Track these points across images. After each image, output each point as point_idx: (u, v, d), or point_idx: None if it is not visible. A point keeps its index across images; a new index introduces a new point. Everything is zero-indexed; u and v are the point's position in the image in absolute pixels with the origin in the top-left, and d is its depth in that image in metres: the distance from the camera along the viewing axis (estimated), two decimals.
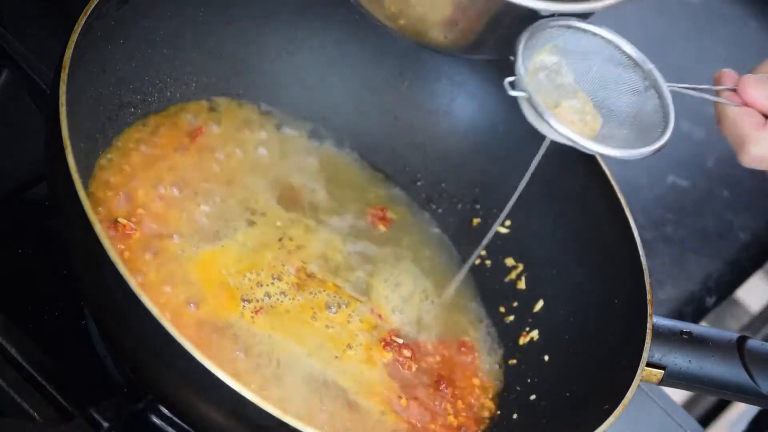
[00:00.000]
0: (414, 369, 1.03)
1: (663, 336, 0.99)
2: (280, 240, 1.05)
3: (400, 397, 1.00)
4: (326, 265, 1.06)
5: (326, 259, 1.06)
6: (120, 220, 0.97)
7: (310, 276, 1.04)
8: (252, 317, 0.98)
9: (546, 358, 1.06)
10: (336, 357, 1.00)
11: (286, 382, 0.96)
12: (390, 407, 0.99)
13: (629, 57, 0.93)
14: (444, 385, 1.03)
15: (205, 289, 0.98)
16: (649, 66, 0.93)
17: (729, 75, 0.95)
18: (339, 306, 1.04)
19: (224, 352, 0.95)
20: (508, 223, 1.13)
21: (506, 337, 1.09)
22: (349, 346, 1.01)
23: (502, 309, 1.10)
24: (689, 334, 1.00)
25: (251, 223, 1.05)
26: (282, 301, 1.01)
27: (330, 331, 1.02)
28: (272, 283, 1.02)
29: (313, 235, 1.07)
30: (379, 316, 1.05)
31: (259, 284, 1.01)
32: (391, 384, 1.01)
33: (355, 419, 0.97)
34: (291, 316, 1.01)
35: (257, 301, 1.00)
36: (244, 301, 0.99)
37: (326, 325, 1.02)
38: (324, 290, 1.04)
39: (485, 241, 1.06)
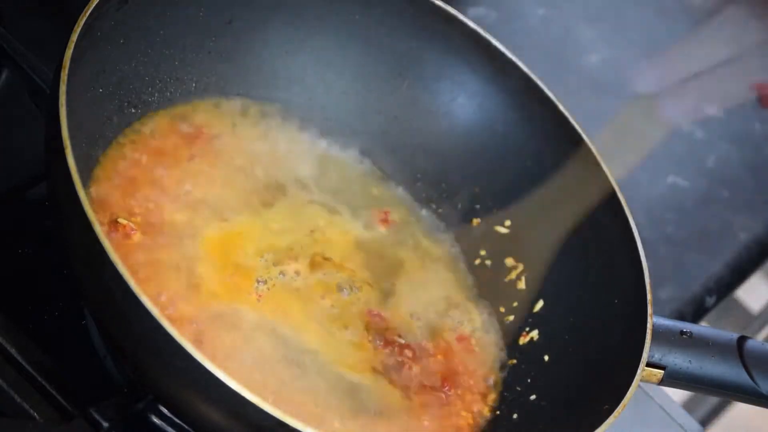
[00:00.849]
0: (414, 370, 1.03)
1: (663, 336, 0.99)
2: (284, 235, 1.05)
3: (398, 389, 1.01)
4: (339, 254, 1.06)
5: (339, 251, 1.07)
6: (120, 220, 0.97)
7: (327, 259, 1.05)
8: (258, 298, 0.99)
9: (546, 358, 1.06)
10: (329, 333, 1.00)
11: (273, 358, 0.97)
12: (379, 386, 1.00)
13: None
14: (445, 387, 1.03)
15: (209, 282, 0.98)
16: None
17: None
18: (352, 290, 1.04)
19: (226, 336, 0.96)
20: (508, 223, 1.13)
21: (506, 337, 1.09)
22: (345, 327, 1.02)
23: (502, 309, 1.10)
24: (689, 334, 1.00)
25: (253, 220, 1.05)
26: (295, 280, 1.02)
27: (334, 311, 1.02)
28: (288, 264, 1.02)
29: (318, 231, 1.07)
30: (382, 313, 1.05)
31: (275, 264, 1.02)
32: (387, 380, 1.01)
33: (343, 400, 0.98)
34: (300, 294, 1.01)
35: (269, 280, 1.00)
36: (258, 282, 1.00)
37: (332, 305, 1.02)
38: (339, 272, 1.05)
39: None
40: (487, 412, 1.04)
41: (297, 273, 1.03)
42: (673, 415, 1.19)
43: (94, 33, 0.94)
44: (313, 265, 1.04)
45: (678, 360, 0.99)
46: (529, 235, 1.12)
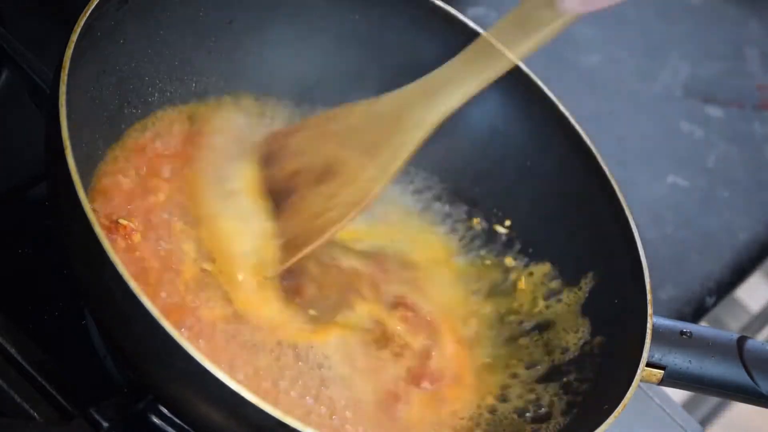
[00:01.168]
0: (414, 369, 1.03)
1: (663, 336, 0.99)
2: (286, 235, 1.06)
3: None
4: (340, 254, 1.06)
5: (340, 250, 1.07)
6: (121, 220, 0.97)
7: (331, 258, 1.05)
8: (260, 298, 0.99)
9: (546, 358, 1.06)
10: (332, 331, 1.01)
11: (272, 355, 0.97)
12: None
13: None
14: (443, 385, 1.03)
15: (211, 282, 0.98)
16: None
17: None
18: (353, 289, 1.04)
19: (226, 335, 0.96)
20: (507, 223, 1.13)
21: (507, 337, 1.09)
22: (350, 327, 1.02)
23: (502, 309, 1.10)
24: (689, 334, 1.00)
25: (254, 219, 1.05)
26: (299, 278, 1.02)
27: (337, 308, 1.02)
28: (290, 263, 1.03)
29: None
30: (383, 312, 1.05)
31: (280, 263, 1.02)
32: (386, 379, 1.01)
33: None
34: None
35: (273, 279, 1.00)
36: (262, 280, 1.00)
37: (335, 304, 1.03)
38: (341, 271, 1.05)
39: None
40: (486, 413, 1.04)
41: (301, 271, 1.03)
42: (673, 415, 1.19)
43: (94, 33, 0.94)
44: (316, 265, 1.04)
45: (678, 360, 0.99)
46: (529, 235, 1.12)
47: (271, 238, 1.03)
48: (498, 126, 1.13)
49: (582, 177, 1.08)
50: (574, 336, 1.05)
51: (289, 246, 1.01)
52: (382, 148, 0.99)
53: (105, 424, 0.87)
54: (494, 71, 0.97)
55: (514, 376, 1.06)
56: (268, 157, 1.02)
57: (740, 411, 1.66)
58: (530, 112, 1.11)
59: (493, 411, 1.03)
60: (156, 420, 0.92)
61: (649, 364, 0.98)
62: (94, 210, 0.83)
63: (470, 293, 1.11)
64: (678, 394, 1.39)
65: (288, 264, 1.00)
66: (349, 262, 1.06)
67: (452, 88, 0.98)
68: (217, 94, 1.10)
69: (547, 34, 0.94)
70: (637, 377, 0.95)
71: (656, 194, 1.42)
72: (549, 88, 1.10)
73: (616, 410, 0.92)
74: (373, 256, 1.08)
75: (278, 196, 1.02)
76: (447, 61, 1.11)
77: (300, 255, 1.01)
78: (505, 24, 0.96)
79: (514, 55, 0.96)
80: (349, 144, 1.00)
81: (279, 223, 1.01)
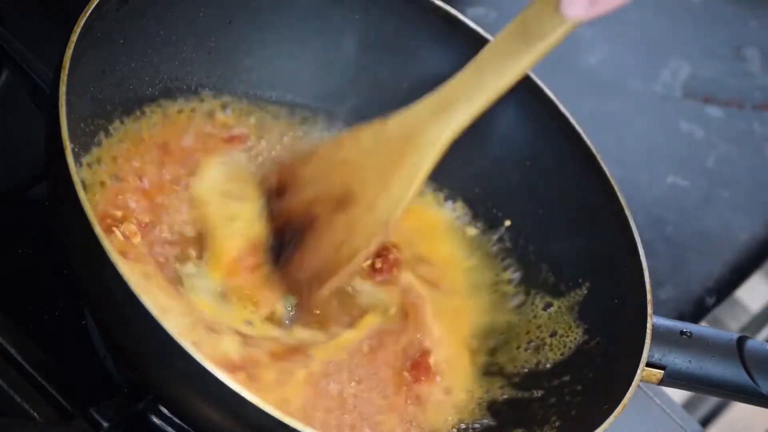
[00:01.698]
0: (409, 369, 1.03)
1: (663, 336, 0.99)
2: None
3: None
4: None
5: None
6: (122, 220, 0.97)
7: None
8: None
9: (545, 358, 1.06)
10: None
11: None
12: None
13: None
14: (444, 388, 1.03)
15: (211, 281, 0.98)
16: None
17: None
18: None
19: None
20: (508, 223, 1.12)
21: (505, 337, 1.09)
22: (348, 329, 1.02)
23: (501, 310, 1.10)
24: (689, 334, 1.00)
25: (254, 216, 1.05)
26: None
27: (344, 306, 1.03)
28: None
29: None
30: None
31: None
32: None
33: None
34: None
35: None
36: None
37: (339, 304, 1.03)
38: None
39: None
40: (485, 412, 1.04)
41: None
42: (673, 415, 1.19)
43: (94, 33, 0.94)
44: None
45: (678, 360, 0.99)
46: (529, 235, 1.12)
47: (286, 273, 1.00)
48: (497, 126, 1.13)
49: (582, 177, 1.08)
50: (573, 336, 1.05)
51: (313, 279, 0.98)
52: (398, 169, 0.96)
53: (105, 424, 0.87)
54: (503, 83, 0.94)
55: (514, 375, 1.06)
56: (279, 188, 1.00)
57: (740, 411, 1.66)
58: (530, 111, 1.11)
59: (491, 411, 1.03)
60: (156, 420, 0.92)
61: (649, 364, 0.98)
62: (93, 210, 0.83)
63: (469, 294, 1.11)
64: (678, 394, 1.39)
65: (317, 296, 0.99)
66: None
67: (462, 104, 0.95)
68: (217, 93, 1.10)
69: (552, 41, 0.92)
70: (637, 377, 0.95)
71: (656, 194, 1.42)
72: (549, 88, 1.10)
73: (616, 410, 0.92)
74: None
75: (292, 228, 0.99)
76: (445, 61, 1.12)
77: (330, 286, 0.99)
78: (509, 34, 0.94)
79: (520, 66, 0.94)
80: (364, 168, 0.97)
81: (297, 257, 0.99)
